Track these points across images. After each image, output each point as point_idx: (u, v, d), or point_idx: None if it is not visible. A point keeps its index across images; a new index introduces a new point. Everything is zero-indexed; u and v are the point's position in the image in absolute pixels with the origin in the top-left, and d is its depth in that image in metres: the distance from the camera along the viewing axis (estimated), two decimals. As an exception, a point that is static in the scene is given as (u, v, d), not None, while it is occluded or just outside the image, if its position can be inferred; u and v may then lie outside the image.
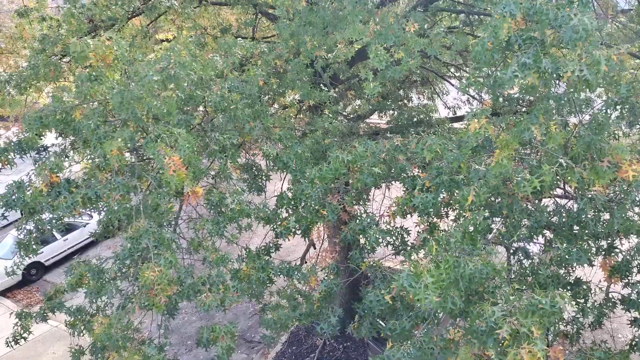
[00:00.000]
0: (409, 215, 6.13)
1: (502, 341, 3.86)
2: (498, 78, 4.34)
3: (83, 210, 6.22)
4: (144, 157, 6.53)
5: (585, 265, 5.54)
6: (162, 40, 11.33)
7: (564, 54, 4.49)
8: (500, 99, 6.83)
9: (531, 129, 4.55)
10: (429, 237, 5.47)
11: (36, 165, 6.21)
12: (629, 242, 5.76)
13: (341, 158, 5.64)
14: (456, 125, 9.95)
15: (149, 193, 6.03)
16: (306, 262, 9.52)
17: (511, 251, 5.91)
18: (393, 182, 6.94)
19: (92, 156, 5.84)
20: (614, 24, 9.33)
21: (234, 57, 7.32)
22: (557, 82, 4.58)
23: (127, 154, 6.41)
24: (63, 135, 6.57)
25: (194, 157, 5.48)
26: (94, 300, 6.42)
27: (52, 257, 16.52)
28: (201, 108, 7.37)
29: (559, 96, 4.70)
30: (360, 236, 6.19)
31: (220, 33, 9.56)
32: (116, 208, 5.44)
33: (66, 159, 6.50)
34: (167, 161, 5.07)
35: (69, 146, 6.74)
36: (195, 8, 8.99)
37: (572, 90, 4.22)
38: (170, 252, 5.31)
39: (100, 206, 5.92)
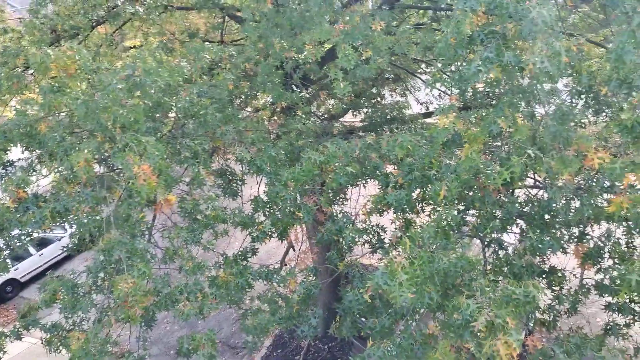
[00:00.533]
0: (385, 213, 6.14)
1: (478, 333, 3.88)
2: (462, 73, 4.37)
3: (54, 225, 6.08)
4: (114, 168, 6.41)
5: (559, 253, 5.62)
6: (131, 47, 11.16)
7: (530, 45, 4.54)
8: (469, 94, 6.88)
9: (497, 122, 4.59)
10: (403, 234, 5.48)
11: (2, 181, 6.05)
12: (599, 229, 5.87)
13: (313, 159, 5.62)
14: (429, 120, 10.03)
15: (120, 204, 5.91)
16: (286, 265, 9.49)
17: (485, 243, 5.96)
18: (369, 180, 6.96)
19: (60, 169, 5.71)
20: (577, 13, 9.52)
21: (202, 62, 7.24)
22: (521, 74, 4.63)
23: (97, 165, 6.28)
24: (29, 149, 6.41)
25: (164, 165, 5.39)
26: (70, 316, 6.29)
27: (27, 273, 16.12)
28: (172, 114, 7.26)
29: (524, 88, 4.76)
30: (337, 236, 6.18)
31: (188, 38, 9.45)
32: (86, 221, 5.33)
33: (33, 173, 6.35)
34: (136, 170, 4.98)
35: (36, 160, 6.58)
36: (160, 14, 8.86)
37: (535, 82, 4.27)
38: (143, 262, 5.22)
39: (70, 219, 5.80)
